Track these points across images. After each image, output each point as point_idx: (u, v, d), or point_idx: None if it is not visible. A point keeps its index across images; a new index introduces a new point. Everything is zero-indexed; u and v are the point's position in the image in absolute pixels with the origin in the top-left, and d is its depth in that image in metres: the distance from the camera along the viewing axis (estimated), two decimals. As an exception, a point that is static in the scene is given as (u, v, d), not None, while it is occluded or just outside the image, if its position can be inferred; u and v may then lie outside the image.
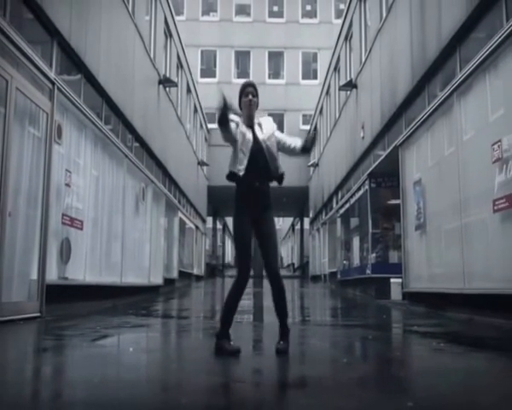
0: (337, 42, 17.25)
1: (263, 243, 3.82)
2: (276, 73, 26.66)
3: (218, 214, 31.05)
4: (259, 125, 3.89)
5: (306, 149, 3.94)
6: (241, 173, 3.72)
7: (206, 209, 25.67)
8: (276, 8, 26.83)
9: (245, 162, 3.72)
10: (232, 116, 3.77)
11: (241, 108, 3.88)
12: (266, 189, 3.84)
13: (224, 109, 3.55)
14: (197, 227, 23.54)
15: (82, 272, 8.06)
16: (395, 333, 6.27)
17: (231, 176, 3.76)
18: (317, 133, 4.72)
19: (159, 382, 2.97)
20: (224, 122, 3.61)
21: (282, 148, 3.95)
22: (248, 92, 3.83)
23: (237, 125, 3.81)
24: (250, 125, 3.86)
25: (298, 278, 28.21)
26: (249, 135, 3.80)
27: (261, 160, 3.76)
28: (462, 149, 7.05)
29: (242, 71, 26.43)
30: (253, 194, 3.77)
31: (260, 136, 3.82)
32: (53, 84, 6.74)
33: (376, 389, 2.81)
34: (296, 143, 3.96)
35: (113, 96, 9.17)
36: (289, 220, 42.39)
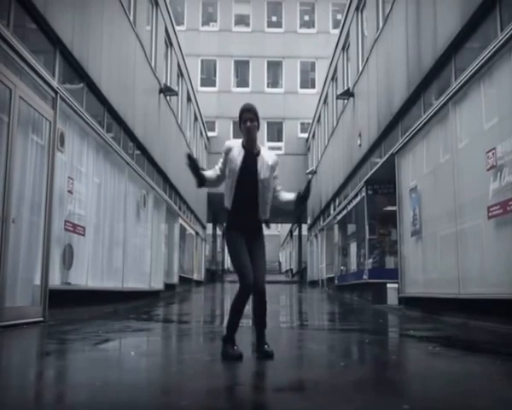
0: (334, 51, 17.38)
1: (254, 255, 3.81)
2: (274, 82, 26.80)
3: (218, 221, 31.05)
4: (263, 160, 3.79)
5: (302, 199, 3.79)
6: (229, 208, 3.77)
7: (206, 216, 25.72)
8: (274, 19, 26.99)
9: (231, 196, 3.75)
10: (228, 143, 3.85)
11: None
12: (256, 221, 3.81)
13: (196, 173, 3.72)
14: (197, 233, 23.58)
15: (84, 277, 8.12)
16: (391, 337, 6.32)
17: (226, 210, 3.83)
18: (311, 179, 4.30)
19: (159, 385, 3.01)
20: (202, 183, 3.79)
21: (276, 198, 3.89)
22: (247, 119, 3.76)
23: (227, 153, 3.80)
24: (251, 150, 3.81)
25: (296, 284, 28.18)
26: (236, 165, 3.73)
27: (251, 197, 3.72)
28: (458, 156, 7.14)
29: (242, 80, 26.56)
30: (244, 224, 3.78)
31: (259, 176, 3.73)
32: (56, 92, 6.82)
33: (373, 392, 2.84)
34: (290, 196, 3.88)
35: (114, 105, 9.27)
36: (288, 227, 42.38)
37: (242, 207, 3.74)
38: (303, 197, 3.79)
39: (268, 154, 3.87)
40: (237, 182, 3.72)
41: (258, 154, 3.82)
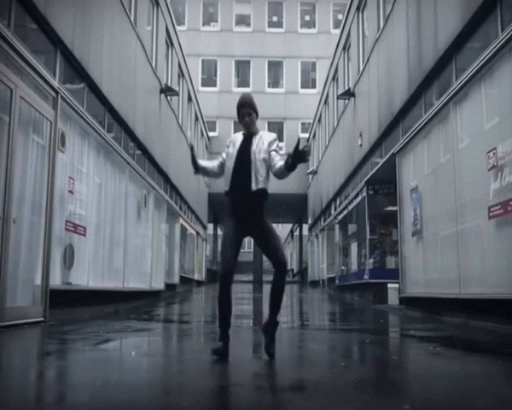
0: (335, 51, 17.39)
1: (264, 240, 3.82)
2: (275, 82, 26.83)
3: (219, 221, 31.08)
4: (260, 137, 3.86)
5: (290, 164, 3.55)
6: (227, 189, 3.81)
7: (206, 216, 25.75)
8: (275, 19, 27.02)
9: (229, 177, 3.80)
10: (231, 137, 3.98)
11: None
12: (256, 203, 3.78)
13: (194, 164, 3.95)
14: (198, 233, 23.61)
15: (85, 277, 8.12)
16: (392, 337, 6.34)
17: (225, 194, 3.86)
18: (305, 146, 4.05)
19: (160, 385, 3.01)
20: (197, 171, 4.03)
21: (270, 167, 3.79)
22: (244, 114, 3.84)
23: (229, 146, 3.91)
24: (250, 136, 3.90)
25: (297, 284, 28.21)
26: (234, 150, 3.84)
27: (246, 172, 3.74)
28: (458, 156, 7.15)
29: (242, 80, 26.59)
30: (242, 208, 3.78)
31: (253, 148, 3.80)
32: (56, 92, 6.83)
33: (373, 392, 2.84)
34: (281, 161, 3.70)
35: (115, 105, 9.27)
36: (288, 227, 42.42)
37: (238, 184, 3.77)
38: (292, 163, 3.54)
39: (266, 134, 3.93)
40: (235, 163, 3.80)
41: (260, 137, 3.89)
